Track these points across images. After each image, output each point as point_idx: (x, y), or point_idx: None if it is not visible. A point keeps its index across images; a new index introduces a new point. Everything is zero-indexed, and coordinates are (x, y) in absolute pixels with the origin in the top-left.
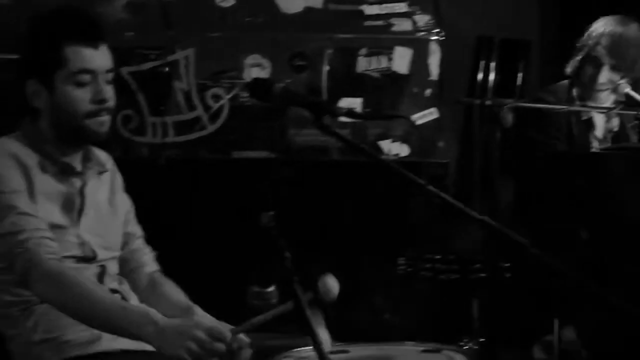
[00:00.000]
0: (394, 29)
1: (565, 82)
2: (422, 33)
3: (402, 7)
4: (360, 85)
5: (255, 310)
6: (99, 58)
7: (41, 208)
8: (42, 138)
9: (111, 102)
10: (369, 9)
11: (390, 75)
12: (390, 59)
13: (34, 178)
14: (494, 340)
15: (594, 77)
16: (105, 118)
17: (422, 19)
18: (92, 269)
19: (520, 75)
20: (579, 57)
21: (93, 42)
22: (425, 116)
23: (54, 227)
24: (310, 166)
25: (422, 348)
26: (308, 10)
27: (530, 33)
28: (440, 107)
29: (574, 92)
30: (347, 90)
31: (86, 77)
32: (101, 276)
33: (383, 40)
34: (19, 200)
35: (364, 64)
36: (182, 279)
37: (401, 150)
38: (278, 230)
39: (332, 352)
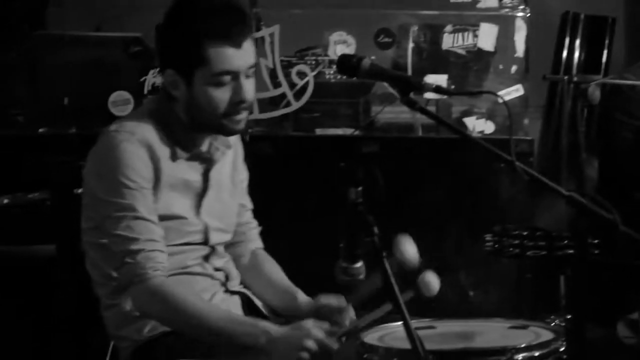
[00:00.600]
0: (480, 5)
1: None
2: (508, 9)
3: None
4: (446, 62)
5: (342, 286)
6: (242, 57)
7: (164, 199)
8: (176, 122)
9: (250, 99)
10: None
11: (475, 52)
12: (475, 36)
13: (162, 169)
14: (581, 317)
15: None
16: (244, 115)
17: None
18: (200, 251)
19: (605, 52)
20: None
21: (237, 41)
22: (511, 93)
23: (175, 217)
24: (394, 143)
25: (508, 324)
26: None
27: (616, 10)
28: (526, 83)
29: None
30: (432, 67)
31: (227, 78)
32: (208, 257)
33: (468, 16)
34: (141, 201)
35: (449, 40)
36: (270, 255)
37: (486, 127)
38: (365, 206)
39: (419, 328)
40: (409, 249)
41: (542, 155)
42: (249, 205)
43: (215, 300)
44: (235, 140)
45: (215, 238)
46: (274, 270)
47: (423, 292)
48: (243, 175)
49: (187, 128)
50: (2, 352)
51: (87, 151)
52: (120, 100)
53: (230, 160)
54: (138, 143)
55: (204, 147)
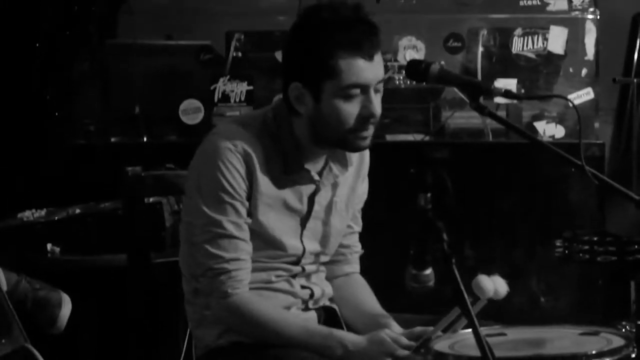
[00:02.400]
0: (549, 8)
1: None
2: (578, 12)
3: None
4: (515, 65)
5: (412, 293)
6: (373, 70)
7: (261, 216)
8: (290, 138)
9: (379, 114)
10: None
11: (545, 56)
12: (545, 39)
13: (260, 186)
14: None
15: None
16: (370, 132)
17: None
18: (290, 270)
19: None
20: None
21: (369, 53)
22: (581, 96)
23: (272, 238)
24: (464, 148)
25: (579, 331)
26: None
27: None
28: (596, 87)
29: None
30: (502, 71)
31: (356, 91)
32: (296, 275)
33: (538, 20)
34: (231, 216)
35: (519, 44)
36: None
37: (557, 131)
38: (435, 213)
39: (489, 335)
40: (488, 288)
41: (613, 159)
42: (357, 227)
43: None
44: (359, 158)
45: (309, 260)
46: (366, 296)
47: (478, 296)
48: (362, 196)
49: (305, 141)
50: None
51: (159, 159)
52: (191, 109)
53: (350, 182)
54: (238, 155)
55: (316, 168)
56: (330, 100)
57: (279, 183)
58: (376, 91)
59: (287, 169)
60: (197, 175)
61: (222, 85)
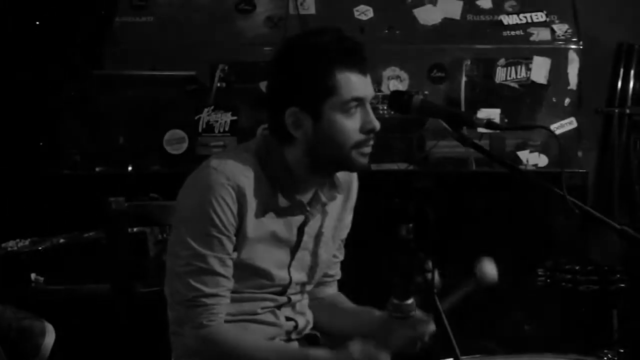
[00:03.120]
0: (533, 38)
1: None
2: (561, 42)
3: (540, 17)
4: (499, 95)
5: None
6: (367, 85)
7: (249, 250)
8: (282, 168)
9: (379, 128)
10: (507, 19)
11: (528, 85)
12: (528, 69)
13: (248, 222)
14: (635, 351)
15: None
16: (370, 148)
17: (561, 28)
18: (275, 301)
19: None
20: None
21: (362, 68)
22: (564, 126)
23: (259, 270)
24: (448, 177)
25: (561, 359)
26: (446, 22)
27: None
28: (579, 116)
29: None
30: (486, 101)
31: (356, 105)
32: (281, 306)
33: (521, 50)
34: (217, 250)
35: (503, 74)
36: None
37: (539, 160)
38: (416, 243)
39: None
40: (489, 269)
41: (597, 188)
42: (341, 257)
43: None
44: (347, 188)
45: (295, 290)
46: (346, 302)
47: (482, 282)
48: (347, 226)
49: (301, 170)
50: None
51: (143, 189)
52: (175, 139)
53: (337, 213)
54: (231, 190)
55: (306, 199)
56: (331, 117)
57: (271, 215)
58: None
59: (279, 201)
60: (186, 206)
61: (207, 115)
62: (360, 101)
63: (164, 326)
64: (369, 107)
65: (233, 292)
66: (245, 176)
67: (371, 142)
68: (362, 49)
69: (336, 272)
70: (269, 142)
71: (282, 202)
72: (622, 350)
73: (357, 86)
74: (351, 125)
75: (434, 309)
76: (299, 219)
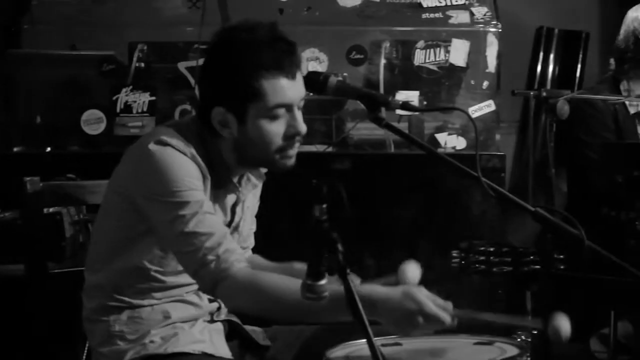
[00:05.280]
0: (452, 21)
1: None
2: (480, 25)
3: (459, 0)
4: (418, 77)
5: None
6: (296, 89)
7: None
8: (218, 156)
9: (304, 132)
10: (427, 2)
11: (447, 68)
12: (447, 52)
13: (206, 187)
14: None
15: None
16: (295, 150)
17: (480, 11)
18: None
19: (579, 67)
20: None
21: (291, 72)
22: (483, 108)
23: None
24: (366, 159)
25: (474, 340)
26: (366, 3)
27: (590, 25)
28: (499, 99)
29: (622, 86)
30: (404, 83)
31: (281, 111)
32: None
33: (440, 32)
34: (204, 198)
35: (422, 56)
36: None
37: (458, 143)
38: (330, 223)
39: (384, 345)
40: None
41: (516, 170)
42: (254, 227)
43: (195, 328)
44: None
45: None
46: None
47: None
48: (258, 201)
49: (231, 162)
50: None
51: (61, 170)
52: (93, 119)
53: (253, 200)
54: (192, 160)
55: (236, 180)
56: (256, 122)
57: (212, 196)
58: (299, 108)
59: (217, 184)
60: (152, 180)
61: (125, 95)
62: (287, 107)
63: (79, 307)
64: (296, 111)
65: (161, 273)
66: (189, 155)
67: (296, 145)
68: (293, 50)
69: (251, 241)
70: (205, 131)
71: (217, 183)
72: (535, 332)
73: (284, 92)
74: (275, 130)
75: (347, 290)
76: (232, 198)
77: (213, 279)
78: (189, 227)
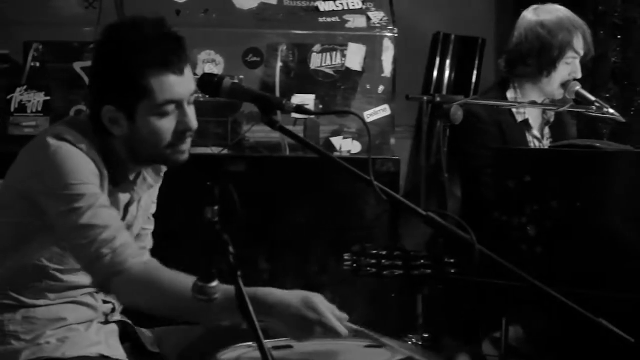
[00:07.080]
0: (349, 25)
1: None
2: (377, 30)
3: (356, 4)
4: (314, 81)
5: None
6: (185, 85)
7: None
8: (113, 153)
9: (195, 127)
10: (324, 5)
11: (343, 72)
12: (344, 56)
13: (103, 184)
14: (438, 336)
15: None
16: (187, 145)
17: (377, 16)
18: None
19: (475, 72)
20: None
21: (178, 68)
22: (378, 113)
23: None
24: (261, 162)
25: (365, 343)
26: (263, 6)
27: (487, 31)
28: (394, 104)
29: (509, 93)
30: (301, 87)
31: (171, 108)
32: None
33: (337, 36)
34: (100, 192)
35: (318, 60)
36: None
37: (353, 147)
38: (222, 225)
39: (275, 347)
40: None
41: (411, 175)
42: (151, 227)
43: (91, 330)
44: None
45: None
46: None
47: None
48: (155, 202)
49: (124, 158)
50: None
51: None
52: None
53: (152, 191)
54: (81, 152)
55: (132, 178)
56: (146, 119)
57: (107, 194)
58: (189, 104)
59: (113, 181)
60: (48, 175)
61: (19, 95)
62: (176, 103)
63: None
64: (186, 106)
65: (60, 272)
66: (90, 151)
67: (188, 140)
68: (180, 46)
69: (147, 242)
70: (97, 129)
71: (113, 180)
72: (426, 335)
73: (172, 89)
74: (165, 126)
75: (238, 292)
76: (126, 197)
77: (108, 273)
78: (83, 219)
